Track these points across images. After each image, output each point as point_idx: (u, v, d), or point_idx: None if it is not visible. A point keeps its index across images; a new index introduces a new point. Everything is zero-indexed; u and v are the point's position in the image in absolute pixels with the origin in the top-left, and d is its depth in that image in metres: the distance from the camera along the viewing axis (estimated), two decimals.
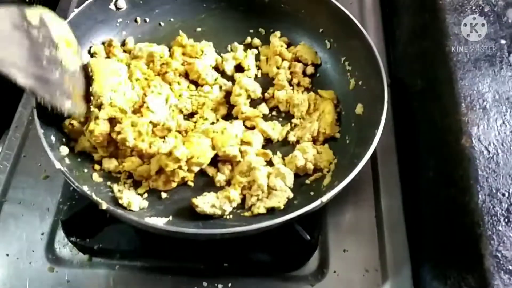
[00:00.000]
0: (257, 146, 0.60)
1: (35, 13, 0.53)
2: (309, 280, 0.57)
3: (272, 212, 0.55)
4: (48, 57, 0.54)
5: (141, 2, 0.69)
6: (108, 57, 0.68)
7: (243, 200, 0.57)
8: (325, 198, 0.49)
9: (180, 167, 0.56)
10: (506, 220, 0.44)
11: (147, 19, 0.71)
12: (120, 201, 0.53)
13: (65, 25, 0.59)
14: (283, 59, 0.69)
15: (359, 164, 0.51)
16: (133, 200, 0.54)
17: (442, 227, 0.54)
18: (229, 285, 0.56)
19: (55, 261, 0.58)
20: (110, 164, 0.58)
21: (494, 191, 0.46)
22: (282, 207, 0.54)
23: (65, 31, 0.58)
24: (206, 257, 0.58)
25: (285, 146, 0.63)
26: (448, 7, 0.58)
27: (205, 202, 0.54)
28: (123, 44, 0.69)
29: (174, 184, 0.57)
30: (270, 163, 0.61)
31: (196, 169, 0.58)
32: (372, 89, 0.60)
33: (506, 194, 0.46)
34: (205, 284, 0.56)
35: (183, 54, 0.69)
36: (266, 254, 0.57)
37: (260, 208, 0.54)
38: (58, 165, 0.49)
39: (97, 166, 0.58)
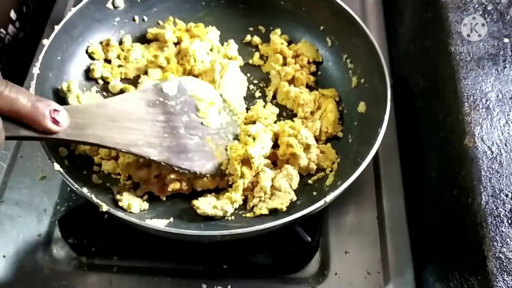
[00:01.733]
0: (267, 149, 0.58)
1: (172, 84, 0.54)
2: (310, 282, 0.56)
3: (274, 213, 0.54)
4: (187, 123, 0.54)
5: (139, 0, 0.68)
6: (105, 58, 0.66)
7: (245, 200, 0.56)
8: (328, 198, 0.49)
9: (180, 180, 0.55)
10: (510, 221, 0.44)
11: (145, 18, 0.71)
12: (120, 203, 0.52)
13: (205, 84, 0.59)
14: (284, 57, 0.68)
15: (362, 164, 0.50)
16: (133, 202, 0.53)
17: (444, 228, 0.53)
18: (229, 287, 0.55)
19: (53, 262, 0.57)
20: (109, 165, 0.57)
21: (498, 191, 0.45)
22: (284, 209, 0.53)
23: (205, 91, 0.58)
24: (206, 258, 0.57)
25: None
26: (451, 5, 0.58)
27: (206, 204, 0.53)
28: (121, 43, 0.69)
29: (168, 192, 0.56)
30: (274, 163, 0.60)
31: (198, 188, 0.56)
32: (374, 87, 0.59)
33: (510, 195, 0.45)
34: (204, 286, 0.55)
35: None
36: (266, 256, 0.57)
37: (263, 209, 0.53)
38: (57, 167, 0.49)
39: (96, 168, 0.57)
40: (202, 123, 0.56)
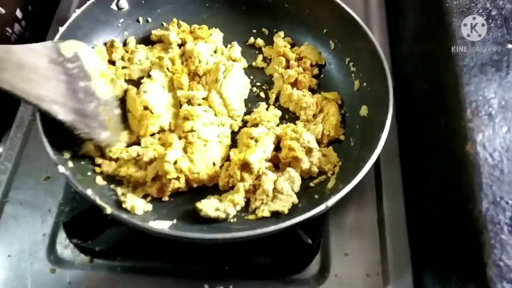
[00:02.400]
0: (268, 153, 0.59)
1: (69, 47, 0.54)
2: (310, 284, 0.57)
3: (276, 215, 0.54)
4: (84, 89, 0.54)
5: (143, 2, 0.69)
6: (110, 58, 0.67)
7: (247, 203, 0.56)
8: (330, 202, 0.49)
9: (178, 178, 0.55)
10: (510, 228, 0.44)
11: (149, 19, 0.71)
12: (124, 205, 0.53)
13: (95, 55, 0.60)
14: (287, 60, 0.69)
15: (364, 167, 0.50)
16: (137, 204, 0.53)
17: (444, 233, 0.53)
18: (230, 287, 0.56)
19: (57, 262, 0.58)
20: (109, 167, 0.57)
21: (498, 199, 0.45)
22: (286, 211, 0.54)
23: (97, 62, 0.59)
24: (207, 259, 0.58)
25: None
26: (454, 9, 0.57)
27: (209, 206, 0.53)
28: (125, 44, 0.69)
29: (167, 193, 0.56)
30: (277, 166, 0.60)
31: (194, 184, 0.57)
32: (377, 91, 0.59)
33: (510, 202, 0.45)
34: (206, 286, 0.56)
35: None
36: (267, 257, 0.57)
37: (265, 212, 0.54)
38: (62, 169, 0.49)
39: (98, 169, 0.58)
40: (94, 92, 0.56)
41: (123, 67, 0.67)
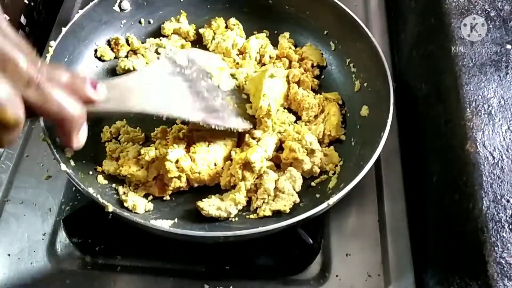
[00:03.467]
0: (270, 152, 0.59)
1: (182, 55, 0.59)
2: (311, 284, 0.57)
3: (277, 214, 0.54)
4: (207, 87, 0.59)
5: (145, 3, 0.69)
6: (116, 56, 0.68)
7: (249, 202, 0.56)
8: (331, 201, 0.49)
9: (179, 177, 0.56)
10: (511, 226, 0.44)
11: (151, 21, 0.71)
12: (125, 204, 0.53)
13: (210, 54, 0.65)
14: (290, 61, 0.69)
15: (365, 167, 0.51)
16: (138, 203, 0.54)
17: (445, 232, 0.53)
18: (231, 287, 0.56)
19: (57, 261, 0.58)
20: (110, 166, 0.58)
21: (499, 197, 0.45)
22: (287, 211, 0.54)
23: (213, 59, 0.64)
24: (208, 259, 0.58)
25: None
26: (453, 11, 0.58)
27: (211, 205, 0.53)
28: (127, 43, 0.69)
29: (168, 192, 0.57)
30: (278, 166, 0.60)
31: (195, 184, 0.58)
32: (377, 91, 0.60)
33: (511, 200, 0.45)
34: (206, 286, 0.56)
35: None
36: (268, 258, 0.57)
37: (266, 211, 0.54)
38: (64, 167, 0.49)
39: (100, 168, 0.58)
40: (218, 86, 0.60)
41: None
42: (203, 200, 0.54)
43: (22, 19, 0.76)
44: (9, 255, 0.58)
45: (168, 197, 0.57)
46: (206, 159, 0.58)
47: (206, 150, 0.58)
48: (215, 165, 0.59)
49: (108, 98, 0.44)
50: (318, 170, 0.59)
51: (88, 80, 0.41)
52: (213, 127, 0.55)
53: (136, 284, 0.56)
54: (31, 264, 0.57)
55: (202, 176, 0.57)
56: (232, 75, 0.64)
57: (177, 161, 0.55)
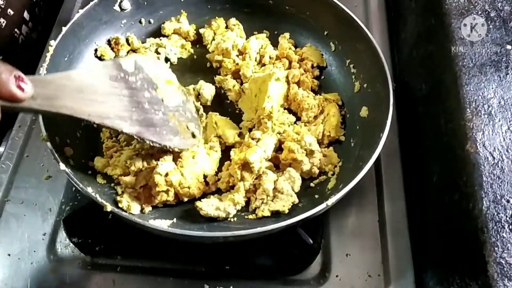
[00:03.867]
0: (269, 153, 0.59)
1: (129, 61, 0.55)
2: (311, 284, 0.57)
3: (276, 215, 0.54)
4: (149, 99, 0.55)
5: (145, 3, 0.69)
6: (116, 55, 0.67)
7: (248, 202, 0.56)
8: (330, 201, 0.49)
9: (167, 191, 0.55)
10: (511, 226, 0.44)
11: (152, 20, 0.71)
12: (120, 205, 0.53)
13: (161, 64, 0.61)
14: (290, 61, 0.69)
15: (364, 168, 0.51)
16: (133, 204, 0.53)
17: (445, 232, 0.53)
18: (231, 287, 0.56)
19: (57, 261, 0.58)
20: (99, 163, 0.57)
21: (499, 197, 0.46)
22: (286, 211, 0.54)
23: (162, 70, 0.60)
24: (208, 259, 0.57)
25: None
26: (453, 11, 0.58)
27: (209, 205, 0.53)
28: (127, 42, 0.69)
29: (155, 203, 0.55)
30: (277, 166, 0.60)
31: (184, 198, 0.56)
32: (377, 92, 0.60)
33: (511, 200, 0.45)
34: (206, 286, 0.56)
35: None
36: (268, 258, 0.57)
37: (265, 211, 0.54)
38: (63, 167, 0.49)
39: (92, 163, 0.57)
40: (162, 100, 0.57)
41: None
42: (202, 200, 0.54)
43: (26, 15, 0.76)
44: (9, 255, 0.58)
45: (148, 208, 0.55)
46: (195, 172, 0.57)
47: (193, 162, 0.57)
48: (205, 176, 0.58)
49: (37, 94, 0.41)
50: (317, 171, 0.59)
51: (13, 74, 0.38)
52: (147, 142, 0.52)
53: (136, 284, 0.56)
54: (31, 264, 0.57)
55: (192, 191, 0.56)
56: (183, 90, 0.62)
57: (166, 175, 0.54)
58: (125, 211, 0.53)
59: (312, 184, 0.59)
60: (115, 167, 0.56)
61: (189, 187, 0.55)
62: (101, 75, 0.51)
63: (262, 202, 0.55)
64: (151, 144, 0.53)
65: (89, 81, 0.49)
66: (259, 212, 0.54)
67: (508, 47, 0.55)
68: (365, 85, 0.63)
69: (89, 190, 0.49)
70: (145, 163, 0.56)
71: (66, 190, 0.62)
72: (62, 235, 0.59)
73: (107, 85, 0.51)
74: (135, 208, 0.53)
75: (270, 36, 0.73)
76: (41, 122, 0.52)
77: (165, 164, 0.55)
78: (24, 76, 0.40)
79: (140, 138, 0.52)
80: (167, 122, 0.56)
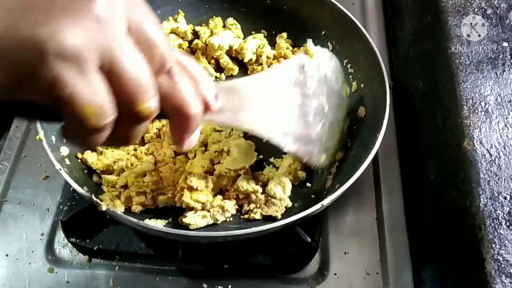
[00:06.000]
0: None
1: (314, 62, 0.47)
2: (310, 283, 0.57)
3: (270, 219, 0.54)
4: (316, 110, 0.48)
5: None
6: None
7: (241, 205, 0.56)
8: (325, 201, 0.49)
9: (145, 193, 0.53)
10: (508, 223, 0.44)
11: None
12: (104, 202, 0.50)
13: (336, 60, 0.52)
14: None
15: (360, 168, 0.50)
16: (116, 203, 0.52)
17: (443, 230, 0.53)
18: (229, 287, 0.56)
19: (55, 261, 0.58)
20: (87, 155, 0.56)
21: (496, 194, 0.46)
22: (279, 216, 0.54)
23: (338, 68, 0.52)
24: (207, 258, 0.57)
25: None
26: (450, 9, 0.58)
27: (196, 217, 0.52)
28: None
29: (133, 206, 0.53)
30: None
31: (160, 204, 0.54)
32: (374, 93, 0.60)
33: (508, 197, 0.45)
34: (205, 285, 0.56)
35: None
36: (266, 256, 0.57)
37: (257, 215, 0.54)
38: (57, 166, 0.49)
39: (80, 155, 0.57)
40: (325, 111, 0.50)
41: None
42: (186, 215, 0.52)
43: None
44: (7, 255, 0.58)
45: (137, 208, 0.53)
46: (174, 178, 0.55)
47: (173, 168, 0.56)
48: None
49: (223, 107, 0.36)
50: (304, 174, 0.58)
51: (213, 83, 0.34)
52: (301, 159, 0.47)
53: (134, 284, 0.56)
54: (29, 264, 0.57)
55: (168, 199, 0.54)
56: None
57: (145, 175, 0.53)
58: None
59: (308, 184, 0.59)
60: (100, 161, 0.55)
61: (165, 193, 0.54)
62: (284, 78, 0.45)
63: (255, 207, 0.55)
64: (302, 161, 0.48)
65: (271, 87, 0.43)
66: (251, 215, 0.54)
67: (505, 44, 0.55)
68: (362, 85, 0.63)
69: (85, 189, 0.49)
70: (128, 163, 0.55)
71: (64, 190, 0.62)
72: (60, 235, 0.59)
73: (286, 91, 0.45)
74: (120, 207, 0.52)
75: (268, 36, 0.73)
76: (37, 121, 0.52)
77: (144, 165, 0.54)
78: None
79: (296, 156, 0.47)
80: (322, 138, 0.49)
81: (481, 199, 0.45)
